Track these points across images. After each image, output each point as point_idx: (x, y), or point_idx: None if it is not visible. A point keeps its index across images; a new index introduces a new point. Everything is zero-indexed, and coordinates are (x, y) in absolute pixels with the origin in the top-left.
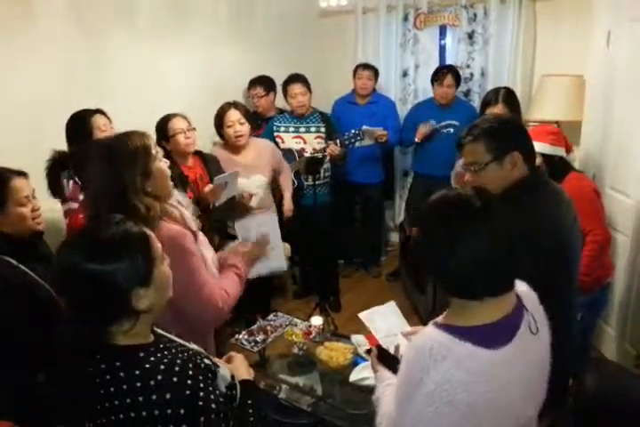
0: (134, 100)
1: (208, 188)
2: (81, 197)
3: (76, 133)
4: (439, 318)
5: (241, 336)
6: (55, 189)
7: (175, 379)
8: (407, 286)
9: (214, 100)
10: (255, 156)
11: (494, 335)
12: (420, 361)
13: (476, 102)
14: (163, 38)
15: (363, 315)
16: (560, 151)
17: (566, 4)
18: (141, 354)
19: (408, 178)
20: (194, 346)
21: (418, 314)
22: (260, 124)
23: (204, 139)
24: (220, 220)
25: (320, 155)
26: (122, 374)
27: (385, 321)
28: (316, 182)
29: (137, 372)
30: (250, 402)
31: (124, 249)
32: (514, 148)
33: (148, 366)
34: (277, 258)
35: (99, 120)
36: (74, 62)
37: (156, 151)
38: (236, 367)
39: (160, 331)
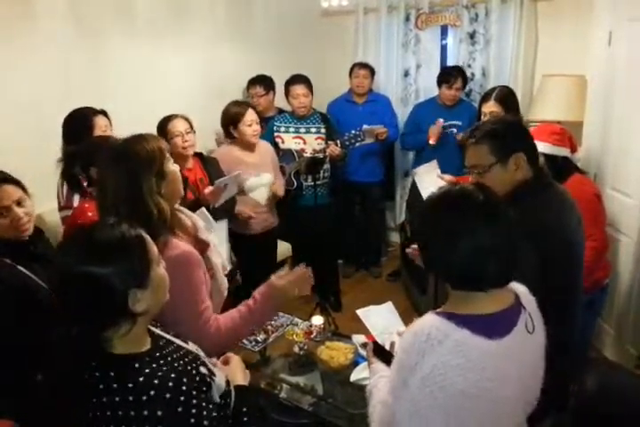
0: (134, 100)
1: (208, 189)
2: (75, 202)
3: (74, 131)
4: (439, 309)
5: None
6: (75, 185)
7: (168, 395)
8: (408, 286)
9: (214, 100)
10: (261, 156)
11: (492, 326)
12: (416, 345)
13: (477, 102)
14: (162, 38)
15: (360, 311)
16: (563, 151)
17: (567, 4)
18: (136, 365)
19: (409, 178)
20: (192, 347)
21: (419, 314)
22: (260, 123)
23: (204, 139)
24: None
25: (321, 155)
26: (115, 385)
27: (382, 319)
28: (316, 183)
29: (130, 385)
30: (244, 410)
31: (120, 251)
32: (517, 149)
33: (141, 379)
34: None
35: (100, 121)
36: (74, 62)
37: (170, 154)
38: (232, 370)
39: (158, 331)
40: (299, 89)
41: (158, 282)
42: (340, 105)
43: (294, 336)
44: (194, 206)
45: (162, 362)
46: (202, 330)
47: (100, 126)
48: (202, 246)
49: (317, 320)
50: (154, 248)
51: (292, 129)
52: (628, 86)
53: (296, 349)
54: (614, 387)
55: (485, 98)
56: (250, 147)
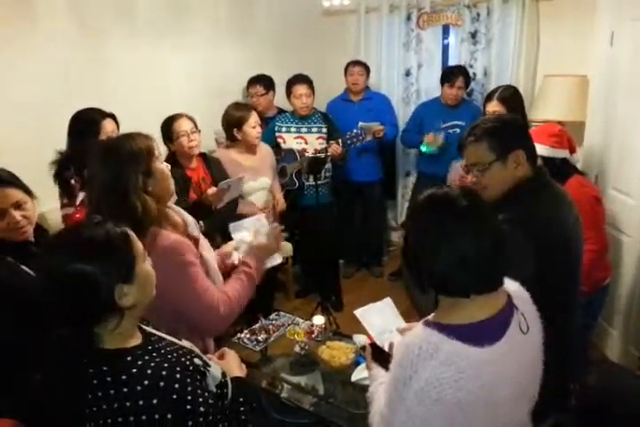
0: (134, 100)
1: (211, 191)
2: (79, 198)
3: (80, 132)
4: (430, 317)
5: (243, 335)
6: (65, 189)
7: (162, 384)
8: (409, 285)
9: (215, 100)
10: (260, 159)
11: (483, 333)
12: (408, 360)
13: (478, 102)
14: (163, 38)
15: (358, 312)
16: (562, 153)
17: (569, 4)
18: (129, 358)
19: (410, 178)
20: (185, 343)
21: (420, 314)
22: (260, 123)
23: (204, 138)
24: (221, 221)
25: (323, 155)
26: (109, 378)
27: (381, 318)
28: (318, 182)
29: (124, 377)
30: (241, 400)
31: (104, 248)
32: (517, 146)
33: (134, 370)
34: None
35: (108, 125)
36: (74, 62)
37: (159, 153)
38: (228, 364)
39: (149, 329)
40: (301, 89)
41: (144, 277)
42: (336, 104)
43: (295, 336)
44: (197, 206)
45: (154, 354)
46: (210, 312)
47: (107, 131)
48: (192, 242)
49: (318, 320)
50: (139, 244)
51: (293, 129)
52: (629, 86)
53: (297, 348)
54: (616, 387)
55: (489, 97)
56: (251, 149)
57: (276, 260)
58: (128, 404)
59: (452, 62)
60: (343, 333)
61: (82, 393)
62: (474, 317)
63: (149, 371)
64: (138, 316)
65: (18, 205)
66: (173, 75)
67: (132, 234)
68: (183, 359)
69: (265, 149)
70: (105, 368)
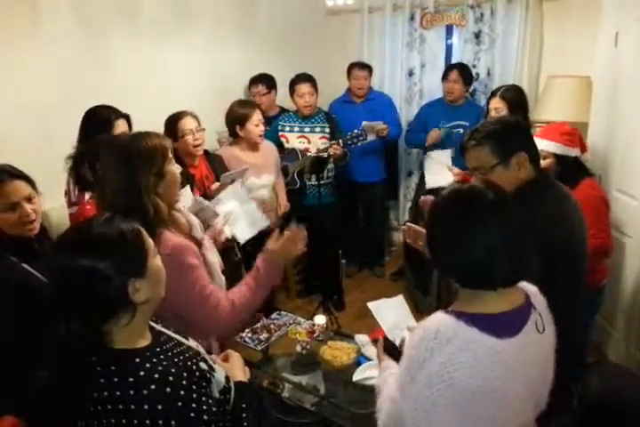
0: (137, 100)
1: (215, 185)
2: (86, 197)
3: (92, 130)
4: (449, 308)
5: (244, 334)
6: (81, 183)
7: (168, 389)
8: (411, 285)
9: (218, 100)
10: (263, 156)
11: (502, 325)
12: (424, 343)
13: (481, 102)
14: (166, 38)
15: (371, 305)
16: (574, 152)
17: (573, 5)
18: (137, 360)
19: (412, 178)
20: (192, 343)
21: (421, 314)
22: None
23: (208, 137)
24: None
25: (325, 154)
26: (116, 379)
27: (392, 314)
28: (320, 182)
29: (131, 379)
30: (244, 406)
31: (115, 243)
32: (519, 148)
33: (142, 373)
34: (258, 219)
35: (121, 126)
36: (77, 62)
37: (172, 155)
38: (232, 367)
39: (159, 327)
40: (304, 88)
41: (156, 272)
42: (339, 106)
43: (297, 335)
44: None
45: (162, 357)
46: (213, 314)
47: (119, 132)
48: (195, 244)
49: (320, 320)
50: (149, 240)
51: (296, 128)
52: (633, 87)
53: (299, 348)
54: (618, 389)
55: (492, 94)
56: (254, 146)
57: (265, 223)
58: (133, 407)
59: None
60: (345, 332)
61: (88, 390)
62: (494, 308)
63: (157, 375)
64: (149, 314)
65: (28, 199)
66: (176, 74)
67: (143, 230)
68: (190, 363)
69: (269, 147)
70: (113, 368)
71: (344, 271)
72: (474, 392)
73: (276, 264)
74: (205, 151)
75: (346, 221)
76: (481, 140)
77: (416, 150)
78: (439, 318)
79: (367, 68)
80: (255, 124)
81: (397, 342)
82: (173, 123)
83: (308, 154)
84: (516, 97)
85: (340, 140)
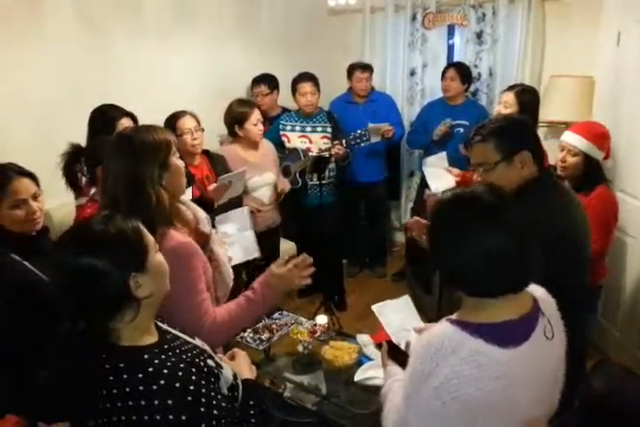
0: (140, 99)
1: (212, 187)
2: (92, 191)
3: (97, 129)
4: (453, 315)
5: (246, 334)
6: (72, 181)
7: (178, 384)
8: (412, 286)
9: (220, 100)
10: (263, 155)
11: (507, 334)
12: (429, 354)
13: (483, 102)
14: (169, 37)
15: (375, 307)
16: (600, 155)
17: (575, 5)
18: (145, 356)
19: (414, 178)
20: (198, 342)
21: (423, 314)
22: (264, 122)
23: (209, 138)
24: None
25: (327, 154)
26: (125, 376)
27: (397, 315)
28: (322, 182)
29: (140, 375)
30: (252, 403)
31: (115, 240)
32: (523, 147)
33: (151, 369)
34: (251, 249)
35: (125, 124)
36: (79, 62)
37: (176, 148)
38: (238, 365)
39: (165, 327)
40: (306, 87)
41: (157, 267)
42: (340, 106)
43: (298, 335)
44: (198, 203)
45: (170, 354)
46: (199, 322)
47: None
48: (203, 239)
49: (322, 319)
50: (149, 236)
51: (298, 128)
52: (636, 87)
53: (300, 348)
54: (620, 389)
55: (508, 88)
56: (253, 145)
57: (255, 253)
58: (143, 403)
59: None
60: (346, 332)
61: (96, 388)
62: (499, 317)
63: (166, 371)
64: (155, 309)
65: (34, 197)
66: (177, 74)
67: (142, 226)
68: (197, 360)
69: (267, 146)
70: (122, 365)
71: (345, 271)
72: (481, 404)
73: (274, 289)
74: (207, 151)
75: (347, 221)
76: (486, 136)
77: (418, 151)
78: (444, 330)
79: (368, 69)
80: (254, 124)
81: (403, 346)
82: (172, 122)
83: (310, 154)
84: (528, 95)
85: (344, 141)
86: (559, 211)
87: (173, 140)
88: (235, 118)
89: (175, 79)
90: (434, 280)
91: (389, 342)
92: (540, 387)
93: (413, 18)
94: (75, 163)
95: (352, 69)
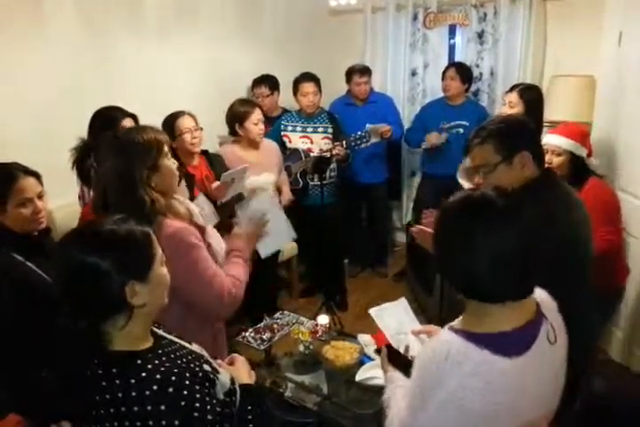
0: (141, 99)
1: (215, 185)
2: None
3: (99, 130)
4: (455, 323)
5: (247, 334)
6: (84, 176)
7: (171, 389)
8: (414, 286)
9: (220, 99)
10: (264, 155)
11: (513, 343)
12: (435, 366)
13: (484, 102)
14: (170, 37)
15: (373, 311)
16: (584, 152)
17: (577, 4)
18: (139, 361)
19: (415, 178)
20: (195, 347)
21: (424, 314)
22: (265, 123)
23: (211, 137)
24: (225, 216)
25: (328, 154)
26: (118, 381)
27: (395, 318)
28: (323, 182)
29: (132, 380)
30: (249, 408)
31: (123, 243)
32: (522, 147)
33: (144, 374)
34: (283, 232)
35: (127, 125)
36: (80, 62)
37: (169, 149)
38: (237, 370)
39: (161, 332)
40: (308, 87)
41: (159, 279)
42: (339, 108)
43: (300, 335)
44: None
45: (164, 359)
46: (220, 296)
47: None
48: (198, 231)
49: (323, 319)
50: (159, 248)
51: (299, 128)
52: (637, 87)
53: (301, 348)
54: (621, 389)
55: (510, 89)
56: (254, 145)
57: (272, 247)
58: (136, 408)
59: None
60: (347, 332)
61: (89, 393)
62: (503, 325)
63: (159, 376)
64: (149, 319)
65: (39, 196)
66: (179, 74)
67: (154, 236)
68: (192, 365)
69: (270, 145)
70: (114, 370)
71: (347, 271)
72: (487, 416)
73: (250, 243)
74: (205, 151)
75: (348, 221)
76: (485, 137)
77: (419, 150)
78: (448, 340)
79: (367, 72)
80: (254, 123)
81: (402, 350)
82: (171, 122)
83: (311, 154)
84: (532, 95)
85: (344, 142)
86: (560, 211)
87: (165, 140)
88: (235, 117)
89: (176, 79)
90: (435, 281)
91: (388, 347)
92: (542, 390)
93: (415, 18)
94: (85, 157)
95: (350, 73)
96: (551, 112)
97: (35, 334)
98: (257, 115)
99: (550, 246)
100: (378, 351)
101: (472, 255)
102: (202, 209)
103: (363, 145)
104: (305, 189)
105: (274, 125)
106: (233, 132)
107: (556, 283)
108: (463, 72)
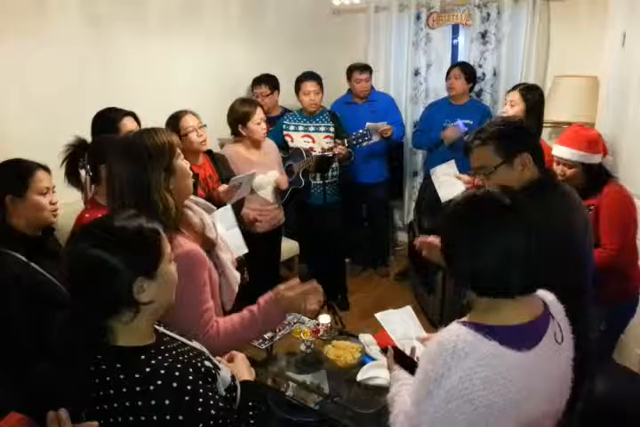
0: (143, 99)
1: (222, 188)
2: (92, 189)
3: (101, 133)
4: (464, 318)
5: None
6: (70, 173)
7: (175, 384)
8: (415, 285)
9: (224, 99)
10: (266, 154)
11: (521, 337)
12: (442, 357)
13: (487, 102)
14: (173, 36)
15: (379, 315)
16: (597, 159)
17: (580, 4)
18: (142, 356)
19: (417, 178)
20: (196, 345)
21: (426, 314)
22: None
23: (212, 137)
24: None
25: (330, 153)
26: (122, 376)
27: (401, 324)
28: (326, 181)
29: (137, 375)
30: (250, 404)
31: (133, 239)
32: (523, 149)
33: (148, 369)
34: (239, 244)
35: (127, 124)
36: (83, 60)
37: (180, 150)
38: (237, 367)
39: (162, 329)
40: (310, 86)
41: (167, 277)
42: (340, 107)
43: (301, 335)
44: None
45: (167, 355)
46: (202, 331)
47: (127, 129)
48: (209, 245)
49: (324, 319)
50: (167, 245)
51: (301, 128)
52: None
53: (303, 347)
54: (624, 391)
55: (511, 89)
56: (256, 144)
57: (243, 250)
58: (140, 403)
59: None
60: (349, 332)
61: (93, 389)
62: (512, 320)
63: (163, 371)
64: (155, 317)
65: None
66: (182, 73)
67: (163, 234)
68: (194, 361)
69: (269, 144)
70: (118, 365)
71: (349, 271)
72: (492, 408)
73: (279, 309)
74: (209, 151)
75: (350, 221)
76: (485, 140)
77: (422, 150)
78: (456, 331)
79: (367, 69)
80: (257, 123)
81: (407, 352)
82: (175, 122)
83: (313, 153)
84: (532, 94)
85: (346, 140)
86: (560, 212)
87: (177, 141)
88: (238, 118)
89: (179, 78)
90: (436, 280)
91: (395, 347)
92: (549, 388)
93: (418, 17)
94: (78, 156)
95: (351, 71)
96: (554, 113)
97: (39, 332)
98: (259, 114)
99: (550, 247)
100: (384, 351)
101: (481, 249)
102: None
103: (364, 143)
104: (307, 189)
105: (275, 125)
106: (235, 133)
107: (555, 283)
108: (467, 72)
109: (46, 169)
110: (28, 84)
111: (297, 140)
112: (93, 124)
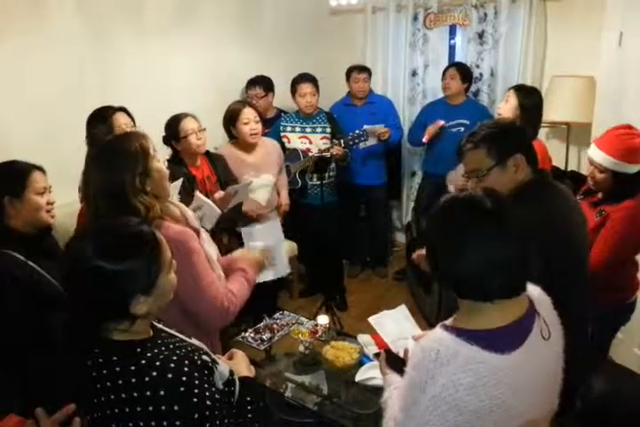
0: (142, 99)
1: (218, 195)
2: None
3: (94, 132)
4: (448, 321)
5: (247, 334)
6: None
7: (170, 375)
8: (413, 286)
9: (221, 100)
10: (264, 155)
11: (504, 339)
12: (425, 364)
13: (485, 102)
14: (171, 37)
15: (372, 319)
16: (634, 169)
17: (577, 4)
18: (138, 349)
19: (415, 178)
20: (194, 341)
21: (423, 314)
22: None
23: (211, 138)
24: (227, 222)
25: (328, 154)
26: (118, 368)
27: (395, 325)
28: (323, 182)
29: (132, 367)
30: (249, 399)
31: (136, 252)
32: (515, 150)
33: (143, 361)
34: (281, 263)
35: (119, 119)
36: (81, 62)
37: (155, 151)
38: (236, 364)
39: (160, 326)
40: (306, 87)
41: (165, 288)
42: (339, 109)
43: (300, 335)
44: None
45: (163, 348)
46: (214, 305)
47: (120, 124)
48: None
49: (323, 320)
50: (167, 254)
51: (297, 129)
52: (638, 88)
53: (301, 348)
54: (622, 390)
55: (512, 88)
56: (250, 145)
57: (268, 276)
58: (135, 394)
59: None
60: (347, 333)
61: (90, 382)
62: (494, 322)
63: (158, 363)
64: (151, 319)
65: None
66: (180, 74)
67: (164, 241)
68: (191, 355)
69: (270, 145)
70: (114, 358)
71: (347, 271)
72: (479, 412)
73: (256, 270)
74: (207, 152)
75: (348, 221)
76: (477, 142)
77: (420, 151)
78: (438, 338)
79: (366, 70)
80: (244, 123)
81: (401, 354)
82: (174, 124)
83: (310, 154)
84: (528, 94)
85: (342, 141)
86: (555, 212)
87: (149, 143)
88: (228, 118)
89: (176, 80)
90: (434, 281)
91: (387, 351)
92: (539, 388)
93: (415, 18)
94: None
95: (350, 71)
96: (551, 112)
97: (38, 331)
98: (246, 114)
99: (547, 247)
100: (377, 356)
101: (461, 252)
102: (199, 208)
103: (361, 144)
104: (303, 189)
105: (272, 127)
106: (230, 136)
107: (552, 282)
108: (463, 71)
109: (41, 170)
110: (25, 87)
111: (294, 141)
112: (87, 122)
